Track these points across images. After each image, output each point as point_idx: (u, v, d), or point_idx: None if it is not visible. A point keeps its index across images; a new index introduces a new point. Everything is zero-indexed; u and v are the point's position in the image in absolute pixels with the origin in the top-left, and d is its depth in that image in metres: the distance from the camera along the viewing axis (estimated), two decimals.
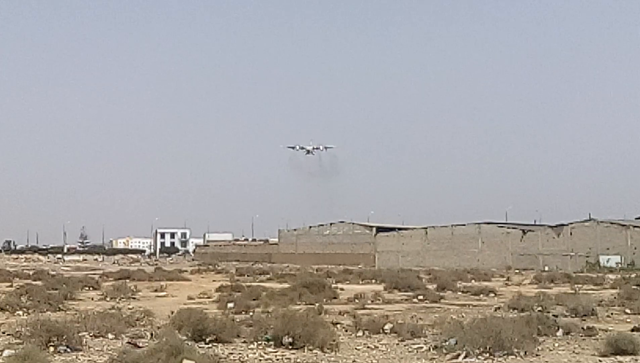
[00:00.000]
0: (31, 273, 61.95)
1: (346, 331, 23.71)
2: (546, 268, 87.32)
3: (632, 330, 23.54)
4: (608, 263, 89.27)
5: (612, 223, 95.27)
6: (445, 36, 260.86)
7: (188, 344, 18.85)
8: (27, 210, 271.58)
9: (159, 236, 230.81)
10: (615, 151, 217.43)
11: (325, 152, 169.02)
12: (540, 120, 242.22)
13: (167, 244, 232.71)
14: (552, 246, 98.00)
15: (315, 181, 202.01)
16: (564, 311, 29.48)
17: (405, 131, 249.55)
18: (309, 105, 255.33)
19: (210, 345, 20.35)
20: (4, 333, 22.75)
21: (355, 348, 20.61)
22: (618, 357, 18.68)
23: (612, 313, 30.16)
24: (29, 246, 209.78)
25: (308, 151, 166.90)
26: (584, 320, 27.14)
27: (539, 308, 30.56)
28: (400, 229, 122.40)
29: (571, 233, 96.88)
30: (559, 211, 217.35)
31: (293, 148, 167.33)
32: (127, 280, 50.89)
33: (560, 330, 23.16)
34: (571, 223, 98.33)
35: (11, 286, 44.17)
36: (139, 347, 19.59)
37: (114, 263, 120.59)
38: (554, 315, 27.11)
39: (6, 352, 18.53)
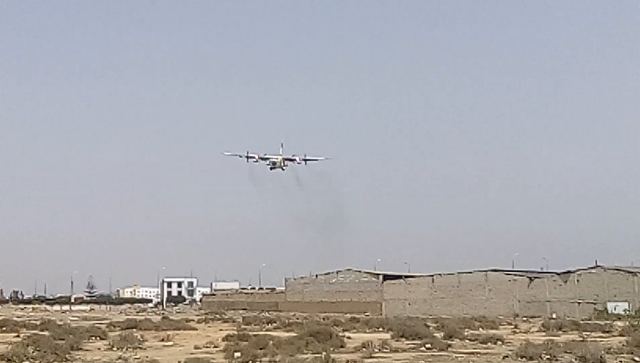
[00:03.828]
0: (38, 323, 61.86)
1: None
2: (554, 316, 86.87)
3: None
4: (616, 310, 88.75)
5: (618, 270, 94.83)
6: (453, 76, 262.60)
7: None
8: (34, 260, 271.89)
9: (165, 285, 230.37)
10: (621, 198, 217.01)
11: (304, 166, 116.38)
12: (546, 167, 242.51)
13: (174, 293, 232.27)
14: (559, 294, 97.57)
15: (303, 214, 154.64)
16: (573, 359, 29.42)
17: (411, 180, 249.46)
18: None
19: None
20: None
21: None
22: None
23: (621, 361, 30.11)
24: (36, 296, 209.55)
25: (274, 164, 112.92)
26: None
27: (548, 356, 30.51)
28: (407, 277, 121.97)
29: (578, 280, 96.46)
30: (566, 258, 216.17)
31: (247, 157, 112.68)
32: (134, 330, 50.88)
33: None
34: (578, 270, 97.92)
35: (18, 336, 44.13)
36: None
37: (120, 312, 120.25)
38: None
39: None
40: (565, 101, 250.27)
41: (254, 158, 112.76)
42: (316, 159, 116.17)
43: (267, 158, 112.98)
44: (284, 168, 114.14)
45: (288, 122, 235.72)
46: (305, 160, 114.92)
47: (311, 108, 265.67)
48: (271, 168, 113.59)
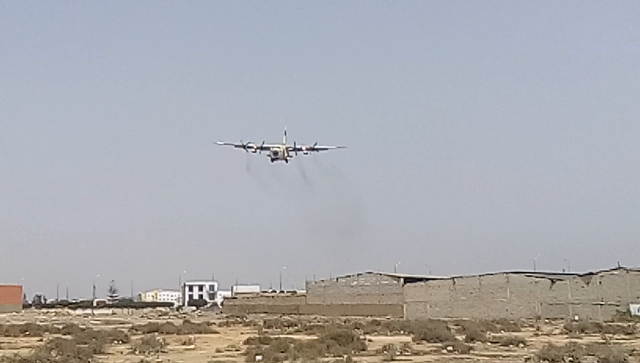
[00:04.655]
0: (61, 327, 62.19)
1: None
2: (576, 318, 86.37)
3: None
4: (639, 312, 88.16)
5: None
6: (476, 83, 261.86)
7: None
8: (57, 265, 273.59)
9: (187, 289, 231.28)
10: None
11: (312, 159, 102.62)
12: (567, 168, 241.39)
13: (196, 297, 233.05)
14: (581, 295, 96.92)
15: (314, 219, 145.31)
16: (596, 362, 29.27)
17: (430, 180, 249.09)
18: None
19: None
20: None
21: None
22: None
23: None
24: (59, 300, 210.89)
25: (275, 155, 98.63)
26: None
27: (570, 359, 30.37)
28: (427, 279, 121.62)
29: (600, 282, 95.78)
30: (588, 259, 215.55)
31: (243, 147, 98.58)
32: (156, 333, 51.03)
33: None
34: (600, 272, 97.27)
35: (41, 340, 44.42)
36: None
37: (142, 316, 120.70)
38: None
39: None
40: (587, 98, 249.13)
41: (252, 147, 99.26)
42: (326, 149, 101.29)
43: (267, 148, 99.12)
44: (287, 159, 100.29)
45: (294, 114, 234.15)
46: (313, 149, 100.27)
47: (319, 100, 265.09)
48: (272, 159, 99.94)
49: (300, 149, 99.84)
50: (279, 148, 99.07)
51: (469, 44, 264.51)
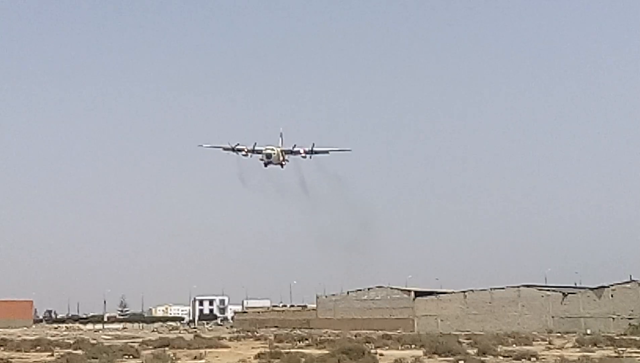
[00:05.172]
0: (72, 342, 62.21)
1: None
2: (588, 331, 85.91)
3: None
4: None
5: None
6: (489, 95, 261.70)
7: None
8: (67, 280, 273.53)
9: (197, 303, 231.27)
10: None
11: (309, 160, 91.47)
12: (578, 181, 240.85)
13: (206, 311, 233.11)
14: (593, 309, 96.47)
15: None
16: None
17: (442, 195, 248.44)
18: None
19: None
20: None
21: None
22: None
23: None
24: (70, 315, 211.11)
25: (269, 158, 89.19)
26: None
27: None
28: (438, 293, 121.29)
29: (612, 295, 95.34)
30: (600, 273, 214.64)
31: (233, 150, 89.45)
32: (167, 348, 51.05)
33: None
34: (612, 285, 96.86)
35: (52, 355, 44.49)
36: None
37: (153, 331, 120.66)
38: None
39: None
40: (599, 106, 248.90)
41: (242, 150, 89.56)
42: (327, 152, 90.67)
43: (260, 151, 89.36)
44: (283, 163, 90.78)
45: (292, 117, 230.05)
46: (312, 152, 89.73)
47: (319, 102, 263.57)
48: (266, 164, 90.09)
49: (297, 152, 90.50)
50: (272, 150, 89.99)
51: (474, 44, 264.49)
